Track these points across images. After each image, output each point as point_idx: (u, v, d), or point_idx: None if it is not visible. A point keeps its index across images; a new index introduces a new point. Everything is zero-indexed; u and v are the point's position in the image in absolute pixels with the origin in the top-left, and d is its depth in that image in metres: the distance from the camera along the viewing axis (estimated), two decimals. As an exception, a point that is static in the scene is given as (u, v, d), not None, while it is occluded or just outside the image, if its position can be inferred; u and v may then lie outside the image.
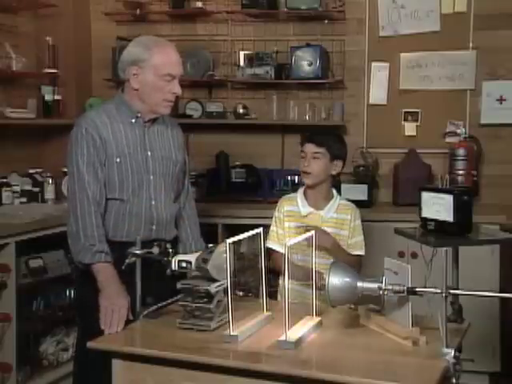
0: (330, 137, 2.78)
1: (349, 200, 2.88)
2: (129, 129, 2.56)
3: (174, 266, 2.17)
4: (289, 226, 2.79)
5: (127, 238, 2.50)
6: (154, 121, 2.61)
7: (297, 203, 2.80)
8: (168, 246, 2.29)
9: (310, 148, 2.72)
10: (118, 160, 2.52)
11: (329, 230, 2.74)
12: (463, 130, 4.22)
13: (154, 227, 2.58)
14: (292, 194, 2.87)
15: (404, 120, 4.41)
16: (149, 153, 2.58)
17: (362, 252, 2.80)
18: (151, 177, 2.59)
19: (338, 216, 2.77)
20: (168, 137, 2.68)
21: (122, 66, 2.53)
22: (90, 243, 2.39)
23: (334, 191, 2.83)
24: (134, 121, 2.57)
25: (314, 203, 2.78)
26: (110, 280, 2.34)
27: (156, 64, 2.46)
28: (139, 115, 2.56)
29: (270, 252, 2.77)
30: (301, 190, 2.84)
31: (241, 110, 4.48)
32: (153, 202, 2.59)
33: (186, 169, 2.79)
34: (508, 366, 3.83)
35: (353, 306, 2.27)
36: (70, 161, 2.51)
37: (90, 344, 2.05)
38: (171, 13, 4.60)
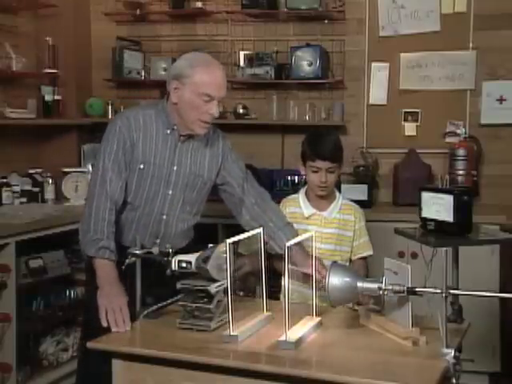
0: (337, 148, 2.74)
1: (349, 200, 2.88)
2: (161, 139, 2.54)
3: (174, 265, 2.17)
4: None
5: (128, 244, 2.49)
6: (191, 136, 2.57)
7: (299, 204, 2.79)
8: (168, 245, 2.29)
9: (325, 165, 2.68)
10: (141, 166, 2.52)
11: (332, 230, 2.74)
12: (463, 130, 4.22)
13: (157, 241, 2.56)
14: (294, 195, 2.86)
15: (404, 120, 4.41)
16: (175, 167, 2.56)
17: (370, 252, 2.80)
18: (170, 191, 2.57)
19: (342, 216, 2.76)
20: (204, 154, 2.62)
21: (167, 78, 2.53)
22: (98, 237, 2.39)
23: (336, 191, 2.83)
24: (168, 132, 2.55)
25: (317, 204, 2.77)
26: (109, 278, 2.33)
27: (196, 82, 2.43)
28: (175, 127, 2.54)
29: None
30: (302, 191, 2.83)
31: (241, 110, 4.49)
32: (164, 217, 2.59)
33: (243, 175, 2.70)
34: (508, 366, 3.83)
35: (356, 307, 2.27)
36: (99, 154, 2.52)
37: (90, 344, 2.05)
38: (171, 13, 4.60)
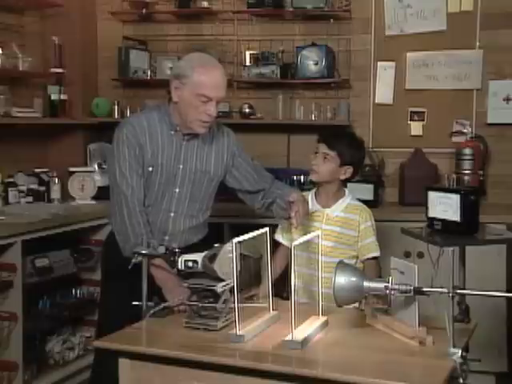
0: (344, 141, 2.76)
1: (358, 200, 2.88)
2: (166, 140, 2.58)
3: (181, 265, 2.17)
4: None
5: None
6: (195, 134, 2.61)
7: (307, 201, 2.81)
8: (174, 245, 2.29)
9: (322, 148, 2.72)
10: (150, 169, 2.56)
11: (333, 228, 2.75)
12: (469, 130, 4.21)
13: (166, 237, 2.60)
14: (305, 192, 2.89)
15: (410, 119, 4.40)
16: (180, 166, 2.60)
17: (375, 253, 2.77)
18: (176, 189, 2.61)
19: (345, 215, 2.76)
20: (210, 151, 2.67)
21: (170, 78, 2.56)
22: (139, 242, 2.41)
23: (347, 191, 2.84)
24: (173, 132, 2.59)
25: (323, 202, 2.80)
26: (164, 274, 2.40)
27: (195, 82, 2.47)
28: (178, 128, 2.58)
29: (276, 243, 2.81)
30: (313, 190, 2.88)
31: (247, 110, 4.48)
32: (171, 214, 2.62)
33: (252, 168, 2.81)
34: (515, 366, 3.82)
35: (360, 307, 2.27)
36: (113, 167, 2.55)
37: (97, 343, 2.05)
38: (177, 12, 4.60)
